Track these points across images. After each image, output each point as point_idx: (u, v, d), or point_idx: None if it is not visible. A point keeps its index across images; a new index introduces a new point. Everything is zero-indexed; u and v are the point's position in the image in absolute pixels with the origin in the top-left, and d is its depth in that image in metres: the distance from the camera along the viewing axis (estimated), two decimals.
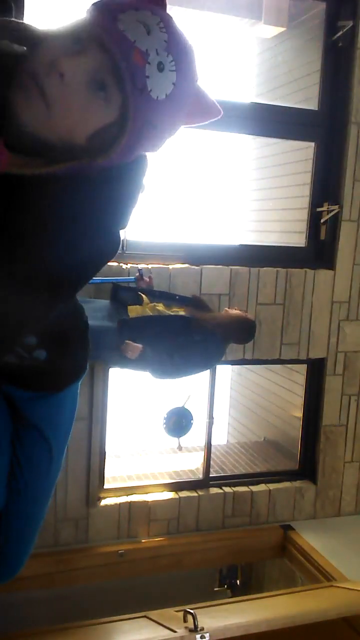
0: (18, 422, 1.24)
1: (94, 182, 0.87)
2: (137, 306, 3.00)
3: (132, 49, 0.79)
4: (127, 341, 2.85)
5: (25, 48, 0.85)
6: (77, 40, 0.80)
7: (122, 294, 3.04)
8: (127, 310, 2.95)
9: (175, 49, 0.82)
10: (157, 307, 3.02)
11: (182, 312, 3.02)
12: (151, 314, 2.98)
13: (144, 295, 3.03)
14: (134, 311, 2.97)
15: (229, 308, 3.21)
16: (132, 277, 3.20)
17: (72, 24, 0.83)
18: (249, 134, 4.36)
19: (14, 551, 1.32)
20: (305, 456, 4.03)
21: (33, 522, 1.32)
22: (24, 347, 1.08)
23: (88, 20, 0.82)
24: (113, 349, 2.83)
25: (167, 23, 0.82)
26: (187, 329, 2.94)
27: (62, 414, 1.27)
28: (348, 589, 2.98)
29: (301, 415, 4.03)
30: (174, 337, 2.92)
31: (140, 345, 2.86)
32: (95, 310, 2.97)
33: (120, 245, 0.99)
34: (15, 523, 1.28)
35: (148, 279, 3.17)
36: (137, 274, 3.17)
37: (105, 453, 3.53)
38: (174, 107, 0.85)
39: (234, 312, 3.08)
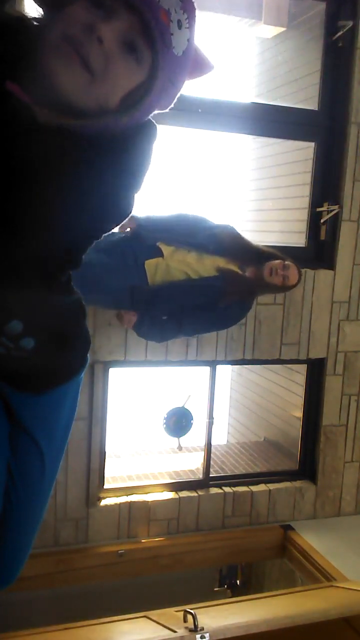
0: (14, 424, 1.17)
1: (116, 141, 0.89)
2: (157, 259, 2.67)
3: (158, 8, 0.82)
4: (121, 311, 2.71)
5: (42, 11, 0.86)
6: (99, 2, 0.81)
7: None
8: (145, 265, 2.67)
9: (188, 7, 0.86)
10: (187, 260, 2.69)
11: (218, 265, 2.69)
12: (175, 269, 2.65)
13: (163, 247, 2.69)
14: (151, 265, 2.66)
15: (272, 267, 2.83)
16: None
17: None
18: (249, 134, 4.36)
19: (10, 557, 1.27)
20: (305, 456, 4.03)
21: (28, 529, 1.27)
22: (8, 334, 1.00)
23: None
24: (111, 293, 2.65)
25: None
26: (215, 300, 2.70)
27: (56, 417, 1.18)
28: (348, 589, 2.98)
29: (301, 415, 4.03)
30: (195, 305, 2.70)
31: (135, 316, 2.70)
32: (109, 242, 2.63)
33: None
34: (9, 529, 1.24)
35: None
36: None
37: (105, 453, 3.52)
38: (186, 62, 0.89)
39: (275, 278, 2.81)
